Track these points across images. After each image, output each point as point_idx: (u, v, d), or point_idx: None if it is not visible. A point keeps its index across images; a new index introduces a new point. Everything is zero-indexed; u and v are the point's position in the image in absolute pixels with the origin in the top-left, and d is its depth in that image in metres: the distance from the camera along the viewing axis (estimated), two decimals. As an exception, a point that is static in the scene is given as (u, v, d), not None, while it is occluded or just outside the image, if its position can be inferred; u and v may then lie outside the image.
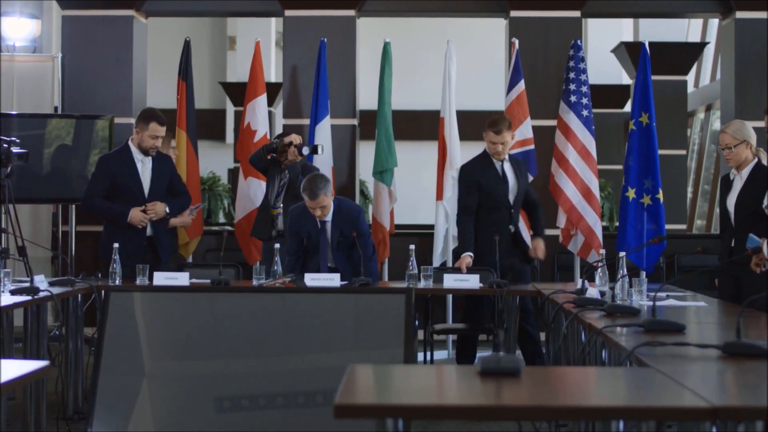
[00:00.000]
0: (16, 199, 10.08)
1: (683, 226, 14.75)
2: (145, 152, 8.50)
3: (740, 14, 10.91)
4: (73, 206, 10.50)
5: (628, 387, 3.54)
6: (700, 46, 15.45)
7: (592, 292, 6.43)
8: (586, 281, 6.76)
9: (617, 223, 10.67)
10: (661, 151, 13.56)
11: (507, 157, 8.43)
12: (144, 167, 8.52)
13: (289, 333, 5.58)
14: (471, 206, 8.41)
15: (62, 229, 10.84)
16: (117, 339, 5.60)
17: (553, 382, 3.64)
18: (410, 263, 7.74)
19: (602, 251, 7.54)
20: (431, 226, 10.49)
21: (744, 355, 3.97)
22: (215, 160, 17.52)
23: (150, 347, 5.70)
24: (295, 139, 8.97)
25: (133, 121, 10.93)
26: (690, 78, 17.29)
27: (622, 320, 5.34)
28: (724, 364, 3.88)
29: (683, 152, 14.62)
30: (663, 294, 6.70)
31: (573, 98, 10.00)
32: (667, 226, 13.76)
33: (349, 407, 3.13)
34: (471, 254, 8.20)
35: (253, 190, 10.07)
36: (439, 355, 9.90)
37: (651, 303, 6.24)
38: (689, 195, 16.99)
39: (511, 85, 10.17)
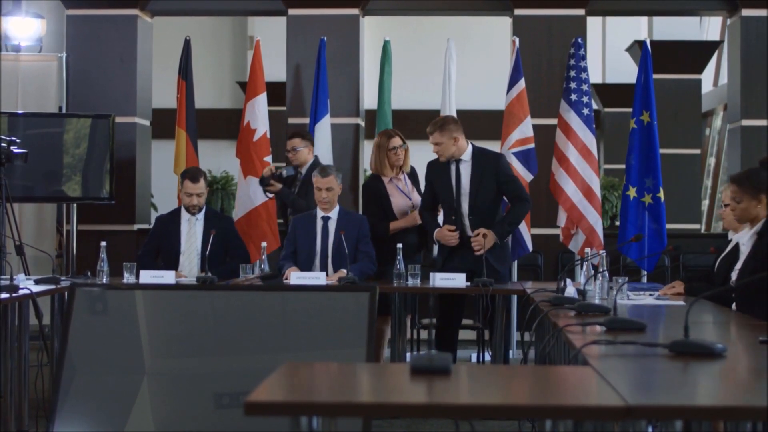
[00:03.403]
0: (22, 198, 10.17)
1: (697, 226, 14.66)
2: (188, 211, 8.44)
3: (746, 12, 10.81)
4: (74, 205, 10.52)
5: (552, 385, 3.51)
6: (714, 45, 15.34)
7: (570, 290, 6.38)
8: (567, 279, 6.72)
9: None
10: (674, 150, 13.60)
11: (466, 156, 8.15)
12: (190, 227, 8.41)
13: (254, 330, 5.58)
14: (428, 204, 8.41)
15: (65, 228, 10.89)
16: (84, 336, 5.61)
17: (481, 380, 3.61)
18: (397, 262, 7.74)
19: (587, 250, 7.50)
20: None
21: (690, 354, 3.93)
22: (234, 159, 17.53)
23: (122, 344, 5.71)
24: (265, 171, 9.18)
25: (137, 120, 10.99)
26: (709, 77, 17.20)
27: (590, 319, 5.29)
28: (665, 363, 3.84)
29: (697, 151, 14.53)
30: (647, 293, 6.66)
31: (573, 97, 9.94)
32: (681, 226, 13.73)
33: (259, 404, 3.10)
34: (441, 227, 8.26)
35: (253, 188, 10.05)
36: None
37: (627, 302, 6.27)
38: (708, 194, 16.88)
39: (512, 83, 10.11)
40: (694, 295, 6.48)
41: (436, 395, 3.30)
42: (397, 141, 8.72)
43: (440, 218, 8.45)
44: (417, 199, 8.71)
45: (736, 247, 6.47)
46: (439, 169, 8.28)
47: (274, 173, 9.19)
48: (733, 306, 6.16)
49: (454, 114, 10.22)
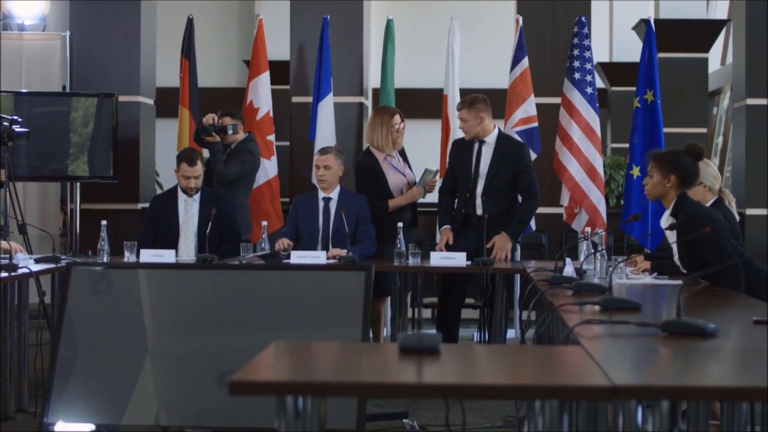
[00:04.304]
0: (27, 177, 10.19)
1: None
2: (185, 192, 8.39)
3: (752, -10, 10.76)
4: (78, 184, 10.51)
5: (541, 365, 3.50)
6: (720, 24, 15.25)
7: (569, 269, 6.36)
8: (567, 258, 6.69)
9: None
10: (681, 129, 13.51)
11: (490, 139, 8.24)
12: (187, 207, 8.37)
13: (254, 309, 5.59)
14: (448, 183, 8.43)
15: (69, 207, 10.89)
16: (81, 315, 5.62)
17: (469, 360, 3.60)
18: (398, 241, 7.74)
19: (587, 229, 7.49)
20: (435, 204, 10.43)
21: (682, 334, 3.92)
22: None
23: (121, 323, 5.72)
24: (207, 119, 9.13)
25: (140, 99, 10.97)
26: (717, 55, 17.12)
27: (587, 298, 5.28)
28: (656, 343, 3.84)
29: (703, 130, 14.46)
30: (646, 272, 6.65)
31: (577, 75, 9.89)
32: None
33: (245, 384, 3.10)
34: (448, 226, 8.22)
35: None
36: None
37: (626, 281, 6.26)
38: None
39: (515, 62, 10.08)
40: (664, 274, 6.52)
41: (423, 375, 3.30)
42: (398, 119, 8.74)
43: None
44: (410, 175, 8.73)
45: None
46: (462, 148, 8.38)
47: (215, 124, 9.12)
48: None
49: (458, 93, 10.21)
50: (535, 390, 3.13)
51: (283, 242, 8.05)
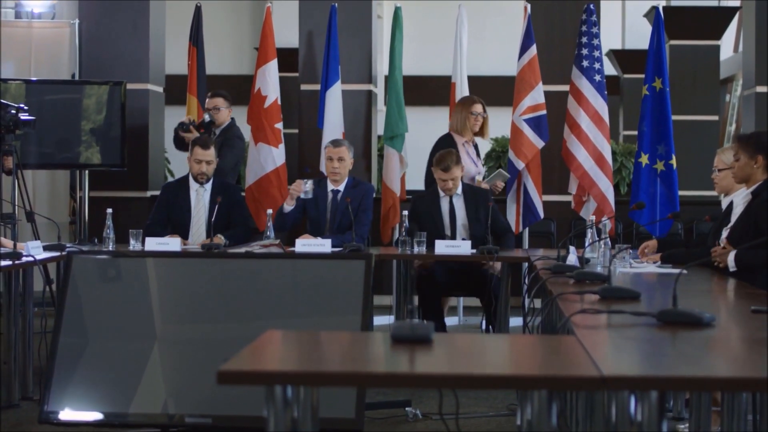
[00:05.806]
0: (37, 165, 10.20)
1: (714, 192, 14.51)
2: (195, 179, 8.42)
3: (761, -24, 10.72)
4: (86, 172, 10.52)
5: (533, 355, 3.49)
6: (732, 11, 15.19)
7: (572, 258, 6.36)
8: (571, 247, 6.68)
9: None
10: (692, 117, 13.49)
11: (459, 191, 8.31)
12: (198, 197, 8.42)
13: (253, 297, 5.59)
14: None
15: (79, 195, 10.89)
16: (82, 304, 5.62)
17: (462, 350, 3.59)
18: (404, 229, 7.74)
19: (592, 217, 7.47)
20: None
21: (678, 324, 3.91)
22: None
23: (123, 311, 5.73)
24: (187, 119, 9.44)
25: (149, 87, 10.98)
26: (729, 42, 17.06)
27: (587, 287, 5.26)
28: (651, 333, 3.82)
29: (715, 118, 14.40)
30: (651, 261, 6.64)
31: (585, 63, 9.85)
32: (698, 193, 13.64)
33: (233, 373, 3.11)
34: None
35: (264, 155, 10.05)
36: (450, 321, 9.87)
37: (629, 270, 6.24)
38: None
39: (523, 50, 10.03)
40: (671, 263, 6.49)
41: (415, 365, 3.29)
42: (478, 108, 9.10)
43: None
44: (482, 168, 9.13)
45: (730, 207, 6.50)
46: (427, 204, 8.38)
47: (192, 122, 9.32)
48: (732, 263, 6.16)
49: (466, 81, 10.21)
50: (525, 380, 3.13)
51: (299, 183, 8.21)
